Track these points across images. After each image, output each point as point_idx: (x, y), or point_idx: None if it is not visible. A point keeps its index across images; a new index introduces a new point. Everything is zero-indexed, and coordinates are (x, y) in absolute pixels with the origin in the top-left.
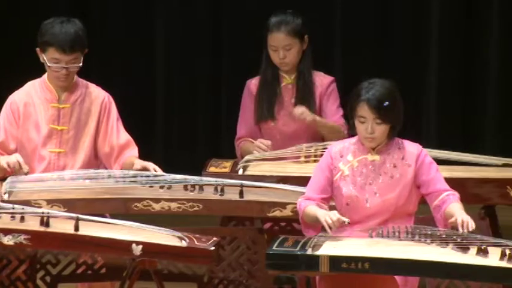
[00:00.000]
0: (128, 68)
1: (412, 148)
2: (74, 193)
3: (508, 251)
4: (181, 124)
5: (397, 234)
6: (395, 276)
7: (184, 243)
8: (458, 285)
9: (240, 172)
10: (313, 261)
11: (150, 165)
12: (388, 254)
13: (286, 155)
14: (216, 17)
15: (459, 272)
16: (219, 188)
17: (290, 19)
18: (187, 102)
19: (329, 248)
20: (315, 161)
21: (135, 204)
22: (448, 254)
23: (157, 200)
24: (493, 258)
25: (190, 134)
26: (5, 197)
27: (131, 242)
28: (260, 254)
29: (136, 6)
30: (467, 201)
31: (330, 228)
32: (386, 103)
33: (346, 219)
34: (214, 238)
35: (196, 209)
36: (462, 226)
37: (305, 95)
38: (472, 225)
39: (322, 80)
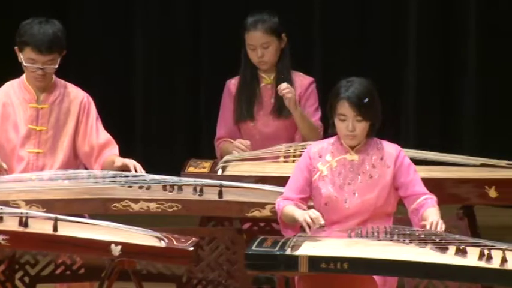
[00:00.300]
0: (106, 68)
1: (391, 149)
2: (52, 193)
3: (486, 251)
4: (160, 124)
5: (376, 234)
6: (374, 276)
7: (163, 244)
8: (437, 285)
9: (219, 172)
10: (292, 262)
11: (131, 162)
12: (367, 254)
13: (265, 155)
14: (196, 16)
15: (438, 272)
16: (198, 188)
17: (266, 18)
18: (166, 102)
19: (308, 248)
20: (294, 161)
21: (114, 204)
22: (426, 254)
23: (136, 201)
24: (472, 258)
25: (170, 134)
26: None
27: (110, 243)
28: (239, 254)
29: (115, 6)
30: (446, 201)
31: (309, 227)
32: (366, 100)
33: (322, 221)
34: (193, 238)
35: (175, 209)
36: (431, 226)
37: None
38: (441, 226)
39: (302, 81)
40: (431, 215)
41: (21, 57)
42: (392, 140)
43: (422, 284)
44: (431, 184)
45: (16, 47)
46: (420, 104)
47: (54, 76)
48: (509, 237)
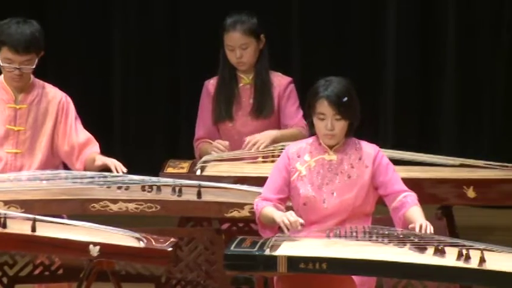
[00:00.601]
0: (84, 69)
1: (369, 149)
2: (31, 194)
3: (464, 251)
4: (138, 125)
5: (354, 234)
6: (353, 276)
7: (142, 244)
8: (415, 285)
9: (198, 173)
10: (271, 262)
11: (111, 161)
12: (345, 254)
13: (244, 155)
14: (174, 17)
15: (416, 272)
16: (176, 189)
17: (245, 18)
18: (144, 102)
19: (287, 249)
20: (272, 161)
21: (93, 205)
22: (405, 254)
23: (115, 201)
24: (450, 258)
25: (148, 134)
26: None
27: (89, 243)
28: (218, 254)
29: (93, 6)
30: (424, 201)
31: (288, 229)
32: (345, 99)
33: (301, 220)
34: (172, 239)
35: (154, 209)
36: (420, 229)
37: (263, 95)
38: (430, 229)
39: (280, 81)
40: (417, 216)
41: None
42: (370, 140)
43: (400, 284)
44: (410, 184)
45: None
46: (398, 104)
47: (32, 76)
48: (488, 237)
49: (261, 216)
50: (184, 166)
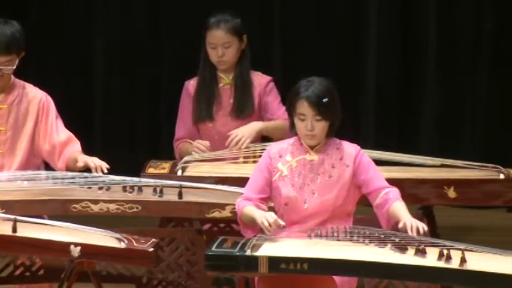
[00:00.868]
0: (66, 69)
1: (350, 149)
2: (11, 194)
3: (445, 251)
4: (120, 125)
5: (335, 234)
6: (334, 277)
7: (123, 245)
8: (396, 285)
9: (179, 173)
10: (252, 262)
11: (92, 163)
12: (326, 255)
13: (225, 155)
14: (155, 17)
15: (397, 272)
16: (157, 189)
17: (229, 18)
18: (125, 103)
19: (268, 249)
20: (253, 161)
21: (74, 205)
22: (386, 255)
23: (95, 201)
24: (431, 259)
25: (129, 135)
26: None
27: (69, 244)
28: (199, 255)
29: (75, 6)
30: (405, 201)
31: (268, 230)
32: (326, 99)
33: (282, 223)
34: (153, 239)
35: (135, 210)
36: (412, 230)
37: (243, 95)
38: (422, 228)
39: (260, 80)
40: (402, 212)
41: None
42: (351, 140)
43: (382, 284)
44: (391, 184)
45: None
46: (379, 105)
47: (12, 77)
48: (468, 237)
49: (242, 216)
50: (165, 166)
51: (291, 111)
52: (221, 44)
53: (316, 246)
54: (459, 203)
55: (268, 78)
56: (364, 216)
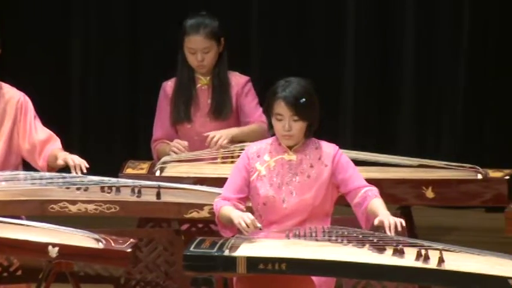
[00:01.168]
0: (43, 69)
1: (328, 148)
2: None
3: (423, 252)
4: (97, 125)
5: (314, 234)
6: (312, 277)
7: (101, 245)
8: (374, 285)
9: (157, 173)
10: (231, 262)
11: (72, 161)
12: (304, 255)
13: (203, 156)
14: (133, 16)
15: (375, 272)
16: (136, 190)
17: (208, 22)
18: (103, 103)
19: (246, 249)
20: (232, 162)
21: (52, 206)
22: (364, 255)
23: (74, 202)
24: (409, 259)
25: (107, 135)
26: None
27: (47, 244)
28: (177, 255)
29: (52, 6)
30: (383, 201)
31: (245, 231)
32: (303, 100)
33: (259, 224)
34: (131, 240)
35: (113, 210)
36: (390, 229)
37: (221, 96)
38: (400, 225)
39: (238, 80)
40: (380, 209)
41: None
42: (330, 141)
43: (360, 284)
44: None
45: None
46: (358, 105)
47: None
48: (446, 237)
49: (219, 216)
50: (143, 167)
51: (268, 111)
52: (200, 50)
53: (295, 247)
54: (437, 203)
55: (246, 78)
56: (342, 216)
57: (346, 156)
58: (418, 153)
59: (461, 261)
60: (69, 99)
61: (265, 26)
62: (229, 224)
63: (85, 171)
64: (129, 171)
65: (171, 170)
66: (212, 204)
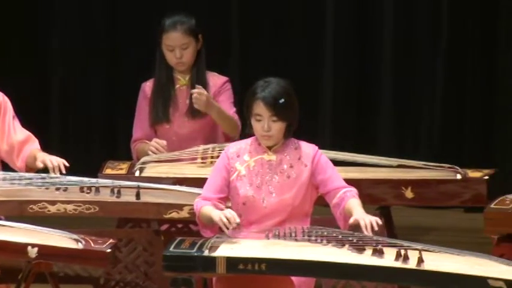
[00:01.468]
0: (21, 68)
1: (308, 149)
2: None
3: (403, 252)
4: (77, 126)
5: (293, 235)
6: (292, 277)
7: (80, 246)
8: (354, 285)
9: (137, 174)
10: (210, 263)
11: (51, 162)
12: (284, 255)
13: (182, 156)
14: (112, 17)
15: (354, 272)
16: (115, 190)
17: (185, 19)
18: (83, 103)
19: (226, 250)
20: (211, 162)
21: (31, 206)
22: (343, 255)
23: (53, 202)
24: (388, 259)
25: (86, 135)
26: None
27: (27, 245)
28: (157, 255)
29: (31, 5)
30: (362, 202)
31: (226, 227)
32: (282, 100)
33: (237, 219)
34: (111, 240)
35: (92, 211)
36: (366, 229)
37: None
38: (375, 224)
39: (216, 80)
40: (356, 209)
41: None
42: (309, 141)
43: (339, 284)
44: (348, 185)
45: None
46: (337, 105)
47: None
48: (426, 237)
49: (200, 216)
50: (123, 167)
51: (248, 112)
52: (179, 46)
53: (274, 247)
54: (416, 203)
55: (225, 79)
56: (321, 216)
57: (325, 156)
58: (397, 154)
59: (441, 261)
60: (48, 100)
61: (245, 27)
62: (210, 223)
63: (64, 171)
64: (108, 171)
65: (151, 170)
66: (192, 205)
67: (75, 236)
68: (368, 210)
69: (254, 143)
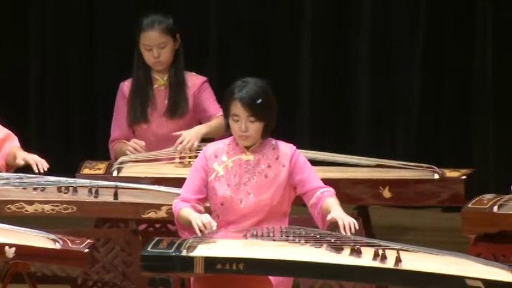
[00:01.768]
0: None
1: (286, 149)
2: None
3: (381, 251)
4: (55, 125)
5: (271, 234)
6: (270, 277)
7: (58, 246)
8: (332, 285)
9: (115, 173)
10: (188, 263)
11: (32, 159)
12: (262, 255)
13: (161, 156)
14: (90, 16)
15: (332, 272)
16: (93, 190)
17: (162, 18)
18: (60, 103)
19: (204, 249)
20: (189, 162)
21: (8, 206)
22: (321, 255)
23: (30, 202)
24: (366, 258)
25: (64, 135)
26: None
27: (4, 245)
28: (135, 255)
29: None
30: (340, 201)
31: (201, 231)
32: (259, 101)
33: (214, 224)
34: (89, 240)
35: (70, 211)
36: (344, 229)
37: (177, 96)
38: (355, 225)
39: (194, 81)
40: (333, 208)
41: None
42: (287, 141)
43: (317, 284)
44: (326, 184)
45: None
46: (314, 105)
47: None
48: (403, 237)
49: (178, 217)
50: (101, 167)
51: (225, 112)
52: (156, 45)
53: (252, 247)
54: (394, 203)
55: (203, 78)
56: (299, 216)
57: (303, 156)
58: (375, 153)
59: (419, 260)
60: (26, 99)
61: (222, 27)
62: (188, 225)
63: (45, 170)
64: (86, 171)
65: (129, 170)
66: (170, 205)
67: (53, 236)
68: (346, 210)
69: (232, 143)
